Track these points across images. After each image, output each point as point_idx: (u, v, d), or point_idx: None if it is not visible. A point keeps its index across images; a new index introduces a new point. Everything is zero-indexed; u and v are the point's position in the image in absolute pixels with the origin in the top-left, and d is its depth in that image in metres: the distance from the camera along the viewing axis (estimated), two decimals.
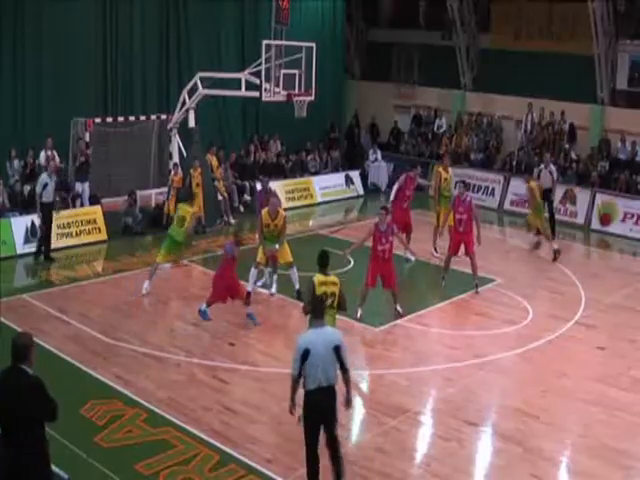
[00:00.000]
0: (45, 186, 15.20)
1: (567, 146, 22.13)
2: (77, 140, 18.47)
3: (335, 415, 7.49)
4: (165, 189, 18.77)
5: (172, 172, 18.46)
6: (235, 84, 17.81)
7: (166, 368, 10.68)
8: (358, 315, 12.43)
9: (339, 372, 7.43)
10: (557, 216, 20.58)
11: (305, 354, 7.22)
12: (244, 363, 10.88)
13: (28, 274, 15.43)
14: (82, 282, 14.37)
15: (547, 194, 17.99)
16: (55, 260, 15.60)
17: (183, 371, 10.61)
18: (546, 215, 17.66)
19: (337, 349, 7.31)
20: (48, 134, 17.98)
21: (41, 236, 15.62)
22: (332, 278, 9.25)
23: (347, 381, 7.51)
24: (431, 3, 25.98)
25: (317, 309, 7.52)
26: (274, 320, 12.75)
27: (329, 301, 9.08)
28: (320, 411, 7.40)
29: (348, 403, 7.64)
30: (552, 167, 18.33)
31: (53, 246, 16.07)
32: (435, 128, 25.32)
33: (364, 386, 10.71)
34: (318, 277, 9.25)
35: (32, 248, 15.82)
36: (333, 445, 7.56)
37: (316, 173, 23.26)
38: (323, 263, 9.23)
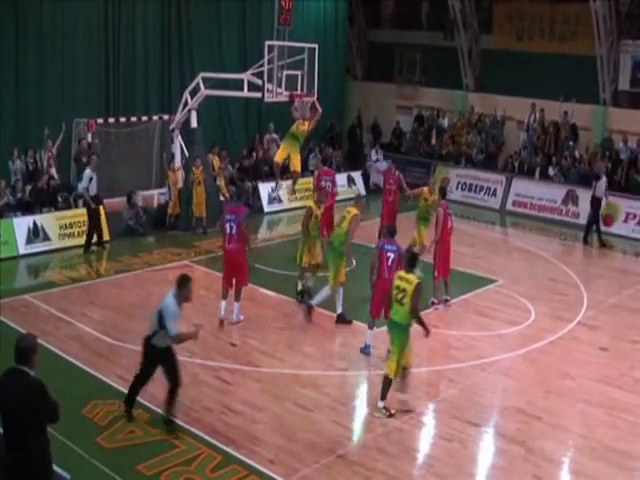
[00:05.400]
0: (91, 180, 16.14)
1: (571, 143, 22.09)
2: (79, 141, 18.51)
3: (159, 360, 8.82)
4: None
5: (170, 171, 18.46)
6: (237, 85, 17.80)
7: None
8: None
9: None
10: (559, 217, 20.69)
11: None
12: (246, 364, 10.87)
13: (30, 274, 15.46)
14: (84, 282, 14.38)
15: (600, 203, 18.53)
16: (106, 247, 16.60)
17: (185, 372, 10.54)
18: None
19: (159, 313, 8.64)
20: (48, 136, 18.02)
21: (90, 227, 16.36)
22: (411, 277, 9.45)
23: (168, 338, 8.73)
24: (433, 4, 25.99)
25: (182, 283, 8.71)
26: (275, 321, 12.73)
27: (399, 296, 9.40)
28: (143, 353, 8.94)
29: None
30: (604, 177, 18.70)
31: (56, 246, 16.22)
32: (437, 128, 25.31)
33: (366, 387, 10.69)
34: (400, 272, 9.68)
35: (34, 249, 15.91)
36: (169, 383, 8.88)
37: None
38: (410, 262, 9.67)
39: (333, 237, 12.62)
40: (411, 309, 9.32)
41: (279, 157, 15.93)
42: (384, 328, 12.28)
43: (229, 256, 12.29)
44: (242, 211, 12.27)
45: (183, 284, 8.67)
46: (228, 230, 12.09)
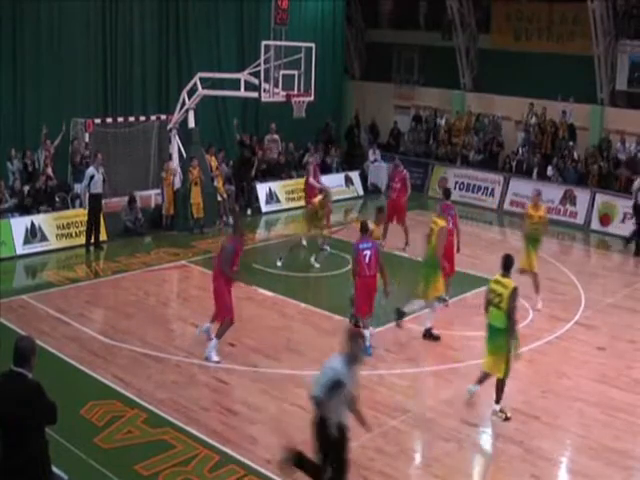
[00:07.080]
0: (92, 178, 16.01)
1: (571, 144, 22.10)
2: (72, 141, 18.50)
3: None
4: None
5: (164, 171, 18.45)
6: (234, 84, 17.81)
7: (166, 369, 10.67)
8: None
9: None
10: (556, 217, 20.64)
11: None
12: (244, 364, 10.86)
13: (27, 275, 15.45)
14: (82, 283, 14.36)
15: None
16: (103, 249, 16.37)
17: (183, 372, 10.60)
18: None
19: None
20: (46, 135, 18.01)
21: (89, 227, 16.24)
22: (507, 281, 9.40)
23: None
24: (431, 4, 25.99)
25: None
26: (273, 321, 12.73)
27: (495, 300, 9.35)
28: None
29: None
30: None
31: (54, 247, 16.20)
32: (435, 129, 25.31)
33: (364, 387, 10.67)
34: (496, 276, 9.62)
35: (32, 249, 15.89)
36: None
37: None
38: (505, 265, 9.53)
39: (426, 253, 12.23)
40: (507, 312, 9.27)
41: (305, 235, 16.06)
42: (381, 328, 12.36)
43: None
44: (228, 244, 10.90)
45: (351, 339, 6.96)
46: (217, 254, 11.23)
